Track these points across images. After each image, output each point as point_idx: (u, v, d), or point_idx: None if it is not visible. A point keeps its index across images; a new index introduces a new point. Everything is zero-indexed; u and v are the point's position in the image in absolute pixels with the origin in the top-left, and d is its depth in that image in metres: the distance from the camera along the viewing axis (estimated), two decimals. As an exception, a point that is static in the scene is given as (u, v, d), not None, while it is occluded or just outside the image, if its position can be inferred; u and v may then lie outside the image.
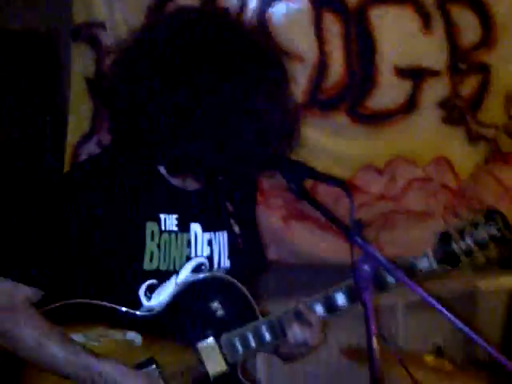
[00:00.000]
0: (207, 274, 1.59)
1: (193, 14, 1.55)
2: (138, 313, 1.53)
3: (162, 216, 1.58)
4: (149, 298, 1.55)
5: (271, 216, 2.92)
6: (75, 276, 1.52)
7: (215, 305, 1.58)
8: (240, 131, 1.43)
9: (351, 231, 1.25)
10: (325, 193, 2.50)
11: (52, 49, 2.74)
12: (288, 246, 2.89)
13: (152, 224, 1.56)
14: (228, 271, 1.64)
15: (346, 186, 1.33)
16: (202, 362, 1.52)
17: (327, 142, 3.02)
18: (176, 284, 1.56)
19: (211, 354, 1.53)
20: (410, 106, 3.22)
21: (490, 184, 3.50)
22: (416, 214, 3.18)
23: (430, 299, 1.19)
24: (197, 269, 1.60)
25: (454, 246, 1.56)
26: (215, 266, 1.63)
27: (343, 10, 3.10)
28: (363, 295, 1.22)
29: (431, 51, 3.31)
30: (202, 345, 1.53)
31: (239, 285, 1.60)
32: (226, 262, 1.65)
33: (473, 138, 3.49)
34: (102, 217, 1.51)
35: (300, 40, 2.93)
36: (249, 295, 1.61)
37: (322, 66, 2.98)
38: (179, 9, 1.63)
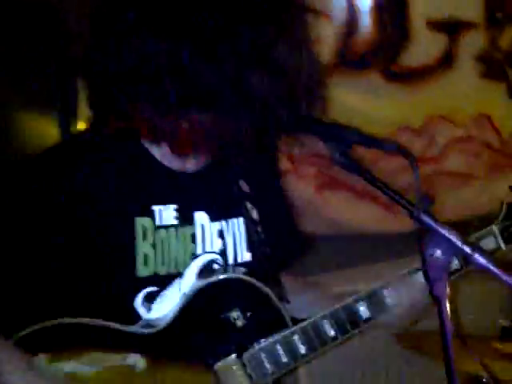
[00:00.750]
0: (222, 276, 1.27)
1: None
2: (138, 330, 1.23)
3: (156, 208, 1.27)
4: (148, 309, 1.25)
5: (303, 186, 2.80)
6: (57, 291, 1.22)
7: (235, 314, 1.27)
8: (260, 85, 1.13)
9: (418, 210, 1.01)
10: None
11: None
12: (323, 217, 2.76)
13: (143, 219, 1.25)
14: (248, 266, 1.34)
15: (409, 153, 1.06)
16: None
17: (360, 103, 2.88)
18: (180, 289, 1.26)
19: (233, 375, 1.24)
20: (446, 61, 3.07)
21: None
22: (458, 176, 3.05)
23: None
24: (207, 268, 1.29)
25: None
26: (231, 261, 1.33)
27: None
28: (436, 289, 0.99)
29: (466, 2, 3.15)
30: (221, 365, 1.24)
31: (263, 286, 1.28)
32: (244, 256, 1.35)
33: None
34: (81, 215, 1.21)
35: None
36: (275, 298, 1.29)
37: (351, 23, 2.84)
38: None
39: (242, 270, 1.32)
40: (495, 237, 1.37)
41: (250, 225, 1.36)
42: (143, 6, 1.13)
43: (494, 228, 1.37)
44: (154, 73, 1.11)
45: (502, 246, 1.36)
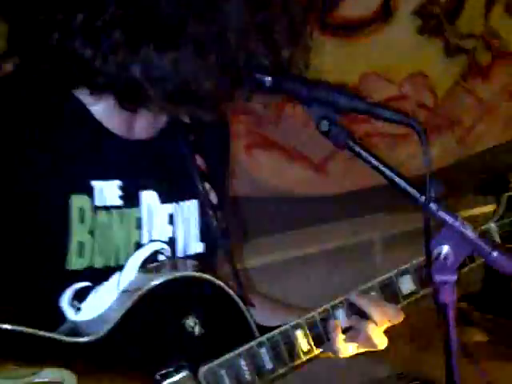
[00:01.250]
0: (177, 273, 1.04)
1: None
2: (67, 339, 0.97)
3: (96, 184, 1.02)
4: (77, 310, 1.02)
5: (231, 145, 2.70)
6: None
7: (189, 321, 1.04)
8: (237, 16, 0.92)
9: (428, 199, 0.85)
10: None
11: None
12: (253, 178, 2.64)
13: (80, 197, 1.01)
14: (200, 259, 1.12)
15: (419, 124, 0.88)
16: None
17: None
18: (119, 286, 1.04)
19: None
20: (383, 14, 2.99)
21: (467, 101, 3.32)
22: (392, 136, 3.02)
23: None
24: (152, 260, 1.07)
25: None
26: (179, 253, 1.11)
27: None
28: (442, 295, 0.85)
29: None
30: (171, 382, 1.01)
31: (225, 287, 1.07)
32: (196, 247, 1.13)
33: (451, 50, 3.36)
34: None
35: None
36: (239, 301, 1.08)
37: None
38: None
39: (193, 263, 1.10)
40: (492, 236, 1.20)
41: (206, 209, 1.14)
42: None
43: (493, 226, 1.22)
44: None
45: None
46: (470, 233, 0.87)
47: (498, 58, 3.51)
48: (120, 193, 1.04)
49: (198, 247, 1.13)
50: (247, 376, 1.05)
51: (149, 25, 0.90)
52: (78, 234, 1.00)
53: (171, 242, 1.09)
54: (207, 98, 0.95)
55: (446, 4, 3.31)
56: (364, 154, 0.91)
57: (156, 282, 1.01)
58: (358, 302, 1.12)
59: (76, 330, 1.00)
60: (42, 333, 0.95)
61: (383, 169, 0.92)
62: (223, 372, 1.04)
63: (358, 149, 0.91)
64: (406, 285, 1.16)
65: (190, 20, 0.90)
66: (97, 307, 1.02)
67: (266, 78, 0.95)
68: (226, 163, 1.23)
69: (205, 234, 1.13)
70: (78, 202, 1.00)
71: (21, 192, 0.97)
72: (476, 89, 3.39)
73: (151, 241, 1.07)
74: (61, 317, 1.01)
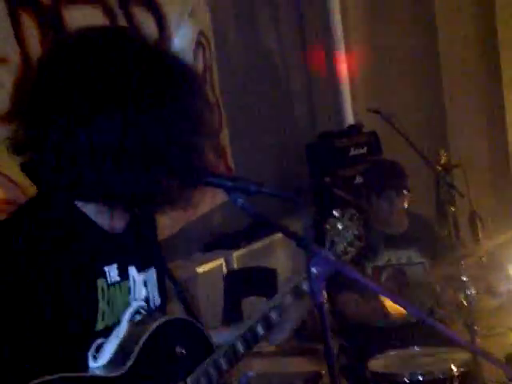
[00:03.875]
0: (163, 318, 1.53)
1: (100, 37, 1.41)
2: (104, 375, 1.41)
3: (106, 269, 1.48)
4: (95, 359, 1.45)
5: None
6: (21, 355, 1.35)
7: (178, 348, 1.53)
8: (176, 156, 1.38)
9: (305, 239, 1.39)
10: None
11: None
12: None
13: (101, 280, 1.46)
14: (160, 309, 1.60)
15: (301, 201, 1.44)
16: None
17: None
18: (118, 336, 1.47)
19: None
20: None
21: None
22: None
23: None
24: (136, 314, 1.53)
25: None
26: (152, 306, 1.59)
27: (39, 9, 3.14)
28: (317, 298, 1.38)
29: None
30: None
31: (196, 322, 1.59)
32: (157, 300, 1.61)
33: None
34: (44, 289, 1.36)
35: (2, 43, 2.90)
36: (203, 328, 1.60)
37: (26, 69, 2.92)
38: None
39: (159, 312, 1.59)
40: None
41: (160, 272, 1.62)
42: None
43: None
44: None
45: None
46: (328, 258, 1.41)
47: None
48: (117, 272, 1.50)
49: (158, 301, 1.61)
50: (215, 378, 1.56)
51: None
52: (101, 305, 1.45)
53: (147, 300, 1.57)
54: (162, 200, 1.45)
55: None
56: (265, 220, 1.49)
57: (153, 327, 1.50)
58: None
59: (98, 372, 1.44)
60: (84, 374, 1.39)
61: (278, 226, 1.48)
62: (202, 379, 1.54)
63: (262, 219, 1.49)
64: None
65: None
66: (106, 354, 1.46)
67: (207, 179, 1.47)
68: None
69: (161, 290, 1.62)
70: (100, 283, 1.45)
71: (62, 285, 1.37)
72: None
73: (135, 300, 1.54)
74: (85, 366, 1.42)
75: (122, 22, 3.80)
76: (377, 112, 5.04)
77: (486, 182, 5.86)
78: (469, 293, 2.57)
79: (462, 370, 2.57)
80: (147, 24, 4.05)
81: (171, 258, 4.20)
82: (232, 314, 3.83)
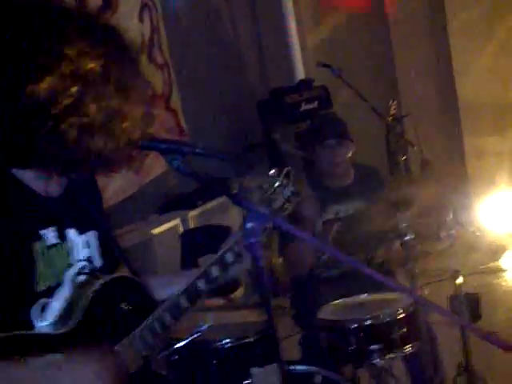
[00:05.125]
0: (108, 277, 1.61)
1: None
2: (51, 333, 1.49)
3: (44, 232, 1.54)
4: (41, 319, 1.52)
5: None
6: None
7: (123, 305, 1.62)
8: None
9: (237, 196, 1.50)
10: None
11: None
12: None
13: (37, 244, 1.52)
14: (101, 270, 1.66)
15: (241, 162, 1.51)
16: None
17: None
18: (61, 296, 1.54)
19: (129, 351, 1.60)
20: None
21: None
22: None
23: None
24: (79, 273, 1.60)
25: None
26: (96, 266, 1.66)
27: None
28: (255, 252, 1.43)
29: None
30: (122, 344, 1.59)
31: (136, 279, 1.67)
32: (98, 262, 1.68)
33: None
34: None
35: None
36: (145, 286, 1.68)
37: None
38: None
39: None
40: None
41: (102, 235, 1.69)
42: None
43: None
44: None
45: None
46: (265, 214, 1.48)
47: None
48: (56, 234, 1.56)
49: (99, 262, 1.69)
50: (158, 330, 1.65)
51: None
52: (39, 267, 1.51)
53: (89, 260, 1.64)
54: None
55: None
56: (204, 180, 1.58)
57: (96, 285, 1.57)
58: None
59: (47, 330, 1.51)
60: (34, 332, 1.47)
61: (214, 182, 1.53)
62: (147, 332, 1.63)
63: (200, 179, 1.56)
64: None
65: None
66: (51, 314, 1.53)
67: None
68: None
69: (104, 253, 1.69)
70: (36, 246, 1.51)
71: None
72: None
73: (77, 261, 1.61)
74: (31, 326, 1.49)
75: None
76: (326, 66, 5.12)
77: (435, 129, 5.99)
78: (406, 238, 2.67)
79: (407, 312, 2.68)
80: None
81: (127, 221, 4.29)
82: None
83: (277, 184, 1.92)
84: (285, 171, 1.96)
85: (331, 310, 2.85)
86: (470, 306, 2.80)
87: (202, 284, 1.75)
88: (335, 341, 2.69)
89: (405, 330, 2.65)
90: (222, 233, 4.11)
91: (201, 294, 1.75)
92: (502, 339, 1.75)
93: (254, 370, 2.36)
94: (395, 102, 5.76)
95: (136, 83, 1.55)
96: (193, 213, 4.56)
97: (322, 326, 2.77)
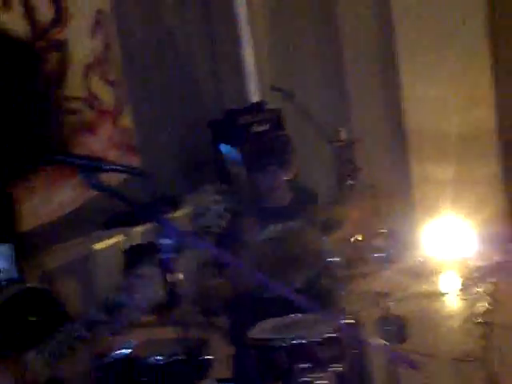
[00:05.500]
0: (10, 290, 1.63)
1: None
2: None
3: None
4: None
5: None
6: None
7: (31, 317, 1.65)
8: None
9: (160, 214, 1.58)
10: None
11: None
12: None
13: None
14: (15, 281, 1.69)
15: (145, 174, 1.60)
16: None
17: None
18: None
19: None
20: None
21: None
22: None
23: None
24: None
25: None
26: (6, 278, 1.68)
27: None
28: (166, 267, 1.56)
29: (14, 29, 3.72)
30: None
31: (47, 289, 1.71)
32: (12, 273, 1.71)
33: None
34: None
35: None
36: (57, 297, 1.73)
37: None
38: None
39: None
40: None
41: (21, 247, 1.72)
42: None
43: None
44: None
45: None
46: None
47: (101, 115, 4.16)
48: None
49: (14, 274, 1.71)
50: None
51: None
52: None
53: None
54: None
55: (51, 74, 3.79)
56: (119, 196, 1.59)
57: (2, 297, 1.61)
58: None
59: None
60: None
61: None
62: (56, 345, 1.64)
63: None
64: None
65: None
66: None
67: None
68: None
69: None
70: None
71: None
72: (87, 142, 4.00)
73: None
74: None
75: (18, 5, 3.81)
76: (279, 90, 5.23)
77: (384, 155, 6.14)
78: (331, 260, 2.75)
79: (334, 334, 2.75)
80: (44, 6, 4.05)
81: (72, 235, 4.30)
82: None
83: (210, 200, 1.97)
84: (218, 188, 2.01)
85: (262, 329, 2.90)
86: (396, 328, 2.88)
87: (122, 298, 1.78)
88: (264, 359, 2.74)
89: (332, 349, 2.72)
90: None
91: (116, 309, 1.78)
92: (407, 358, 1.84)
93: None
94: (344, 128, 5.93)
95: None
96: (137, 229, 4.58)
97: (252, 344, 2.82)
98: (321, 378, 2.78)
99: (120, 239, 4.39)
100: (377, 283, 3.20)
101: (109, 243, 4.27)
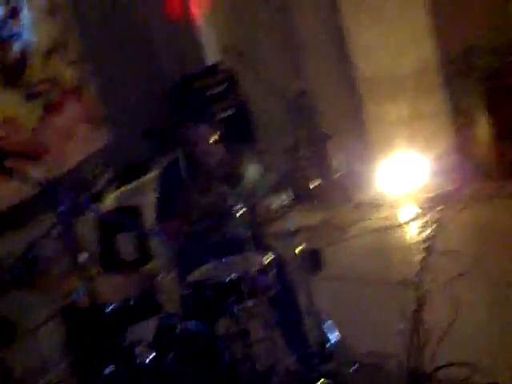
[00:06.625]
0: None
1: None
2: None
3: None
4: None
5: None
6: None
7: None
8: None
9: None
10: None
11: None
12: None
13: None
14: None
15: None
16: None
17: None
18: None
19: None
20: None
21: (51, 132, 4.39)
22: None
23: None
24: None
25: None
26: None
27: None
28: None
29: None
30: None
31: None
32: None
33: (30, 96, 4.22)
34: None
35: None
36: None
37: None
38: None
39: None
40: None
41: None
42: None
43: None
44: None
45: None
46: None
47: (65, 94, 4.50)
48: None
49: None
50: None
51: None
52: None
53: None
54: None
55: (14, 61, 4.15)
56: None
57: None
58: None
59: None
60: None
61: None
62: None
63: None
64: None
65: None
66: None
67: None
68: None
69: None
70: None
71: None
72: (56, 121, 4.32)
73: None
74: None
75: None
76: (230, 50, 5.57)
77: (338, 103, 6.51)
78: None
79: (259, 268, 3.23)
80: None
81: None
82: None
83: None
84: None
85: (199, 272, 3.39)
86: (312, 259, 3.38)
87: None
88: (200, 297, 3.22)
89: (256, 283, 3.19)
90: (132, 212, 4.64)
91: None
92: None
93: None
94: (298, 81, 6.28)
95: None
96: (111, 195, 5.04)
97: (190, 286, 3.31)
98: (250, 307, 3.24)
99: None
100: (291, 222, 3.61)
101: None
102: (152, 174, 5.15)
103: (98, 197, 4.82)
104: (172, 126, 5.76)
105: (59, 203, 1.94)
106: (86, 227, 3.91)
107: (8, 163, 1.83)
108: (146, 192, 5.14)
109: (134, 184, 5.17)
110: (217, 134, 3.69)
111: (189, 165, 3.78)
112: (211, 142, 3.66)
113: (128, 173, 5.20)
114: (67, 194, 1.98)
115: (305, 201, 5.42)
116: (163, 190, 3.79)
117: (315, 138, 6.00)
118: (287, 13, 6.50)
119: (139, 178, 5.17)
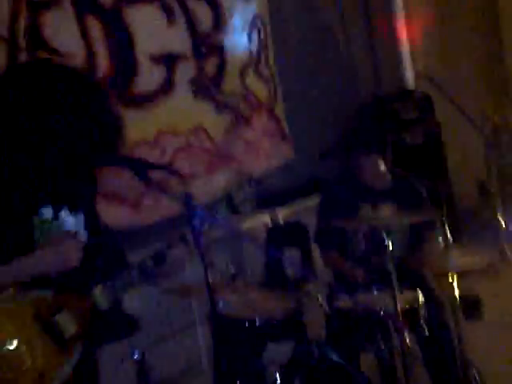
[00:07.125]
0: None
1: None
2: None
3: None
4: None
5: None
6: None
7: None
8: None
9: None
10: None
11: None
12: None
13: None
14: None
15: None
16: None
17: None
18: None
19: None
20: (167, 86, 3.95)
21: (237, 143, 4.46)
22: (184, 177, 3.90)
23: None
24: None
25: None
26: None
27: (101, 11, 3.72)
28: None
29: (177, 39, 4.07)
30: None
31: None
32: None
33: (219, 107, 4.31)
34: None
35: (68, 42, 3.51)
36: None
37: (89, 63, 3.57)
38: None
39: None
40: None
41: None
42: None
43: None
44: None
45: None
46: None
47: (257, 109, 4.45)
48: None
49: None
50: None
51: None
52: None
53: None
54: None
55: (212, 72, 4.20)
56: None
57: None
58: None
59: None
60: None
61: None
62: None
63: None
64: None
65: None
66: None
67: None
68: None
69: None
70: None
71: None
72: (243, 134, 4.24)
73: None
74: None
75: (179, 15, 4.26)
76: (429, 79, 5.37)
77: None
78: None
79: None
80: (203, 14, 4.45)
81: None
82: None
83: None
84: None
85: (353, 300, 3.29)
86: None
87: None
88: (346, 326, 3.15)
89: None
90: (300, 229, 4.61)
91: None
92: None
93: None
94: (497, 116, 5.86)
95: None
96: (283, 210, 5.04)
97: (340, 314, 3.24)
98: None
99: (267, 219, 4.85)
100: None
101: (256, 223, 4.74)
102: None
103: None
104: (345, 149, 5.71)
105: (193, 217, 2.00)
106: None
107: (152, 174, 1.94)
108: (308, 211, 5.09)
109: (303, 202, 5.16)
110: (387, 162, 3.69)
111: (355, 187, 3.75)
112: (381, 169, 3.67)
113: (304, 189, 5.20)
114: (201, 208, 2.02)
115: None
116: (323, 210, 3.79)
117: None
118: (495, 38, 6.12)
119: (309, 196, 5.13)
